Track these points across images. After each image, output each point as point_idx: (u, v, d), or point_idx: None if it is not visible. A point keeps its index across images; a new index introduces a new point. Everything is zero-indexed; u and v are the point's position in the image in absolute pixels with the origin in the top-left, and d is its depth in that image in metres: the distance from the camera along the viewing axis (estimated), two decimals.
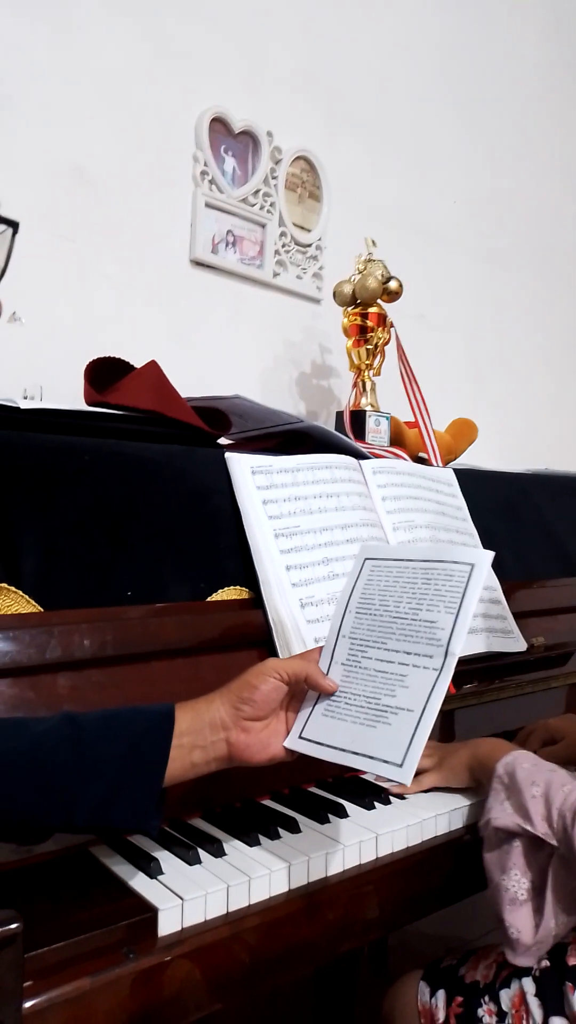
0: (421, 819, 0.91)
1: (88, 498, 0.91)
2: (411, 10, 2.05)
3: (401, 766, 0.71)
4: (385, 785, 0.99)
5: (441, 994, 0.93)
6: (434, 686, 0.74)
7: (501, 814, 0.84)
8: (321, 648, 0.85)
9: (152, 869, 0.75)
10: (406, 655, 0.78)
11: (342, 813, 0.90)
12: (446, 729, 1.17)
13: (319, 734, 0.78)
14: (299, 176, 1.79)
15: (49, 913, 0.68)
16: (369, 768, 0.73)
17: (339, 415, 1.54)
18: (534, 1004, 0.86)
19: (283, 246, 1.76)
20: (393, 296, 1.53)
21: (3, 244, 0.85)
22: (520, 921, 0.81)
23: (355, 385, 1.57)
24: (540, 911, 0.80)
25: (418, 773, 1.00)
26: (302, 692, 0.82)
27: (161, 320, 1.58)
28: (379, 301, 1.53)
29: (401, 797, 0.97)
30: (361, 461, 1.23)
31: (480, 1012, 0.89)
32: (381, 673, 0.78)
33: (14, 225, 0.85)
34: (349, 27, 1.90)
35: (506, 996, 0.88)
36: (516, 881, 0.82)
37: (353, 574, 0.89)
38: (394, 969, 1.39)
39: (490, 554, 0.80)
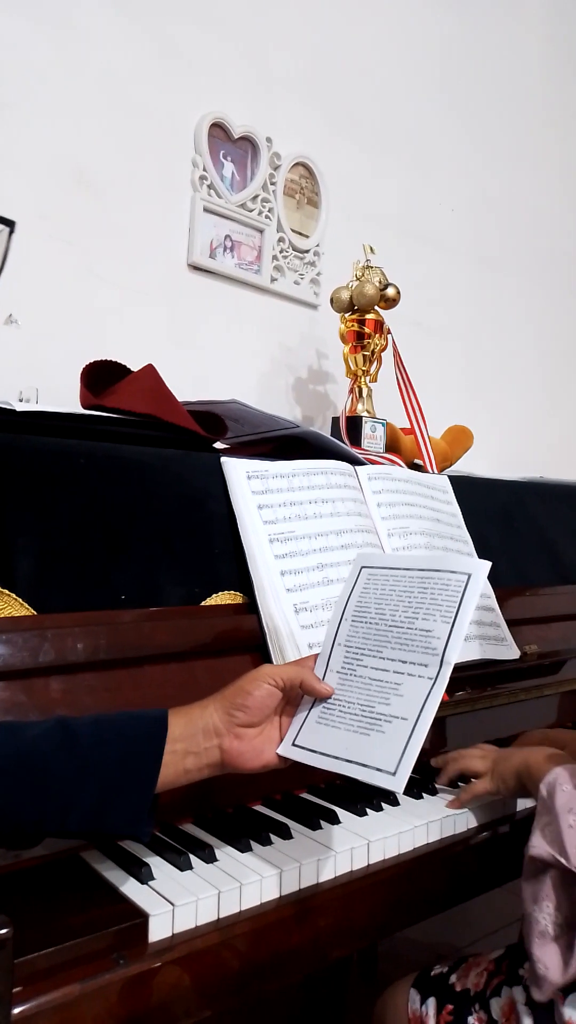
0: (413, 826, 0.90)
1: (83, 501, 0.91)
2: (411, 15, 2.06)
3: (394, 775, 0.71)
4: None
5: (431, 1002, 0.93)
6: (429, 695, 0.74)
7: (538, 843, 0.81)
8: (316, 655, 0.85)
9: (143, 875, 0.74)
10: (401, 663, 0.78)
11: (334, 819, 0.90)
12: (438, 736, 1.17)
13: (313, 742, 0.78)
14: (298, 182, 1.80)
15: (39, 918, 0.67)
16: (362, 777, 0.73)
17: (335, 421, 1.54)
18: (524, 1013, 0.85)
19: (281, 252, 1.77)
20: (390, 303, 1.54)
21: None
22: (548, 957, 0.78)
23: (351, 391, 1.57)
24: (571, 948, 0.77)
25: (471, 778, 1.00)
26: (296, 699, 0.82)
27: (159, 324, 1.58)
28: (376, 307, 1.54)
29: (394, 804, 0.96)
30: (357, 467, 1.23)
31: (470, 1020, 0.89)
32: (376, 681, 0.78)
33: (10, 224, 0.84)
34: (349, 32, 1.90)
35: (496, 1005, 0.88)
36: (547, 914, 0.79)
37: (349, 582, 0.89)
38: (384, 976, 1.39)
39: (487, 564, 0.80)
